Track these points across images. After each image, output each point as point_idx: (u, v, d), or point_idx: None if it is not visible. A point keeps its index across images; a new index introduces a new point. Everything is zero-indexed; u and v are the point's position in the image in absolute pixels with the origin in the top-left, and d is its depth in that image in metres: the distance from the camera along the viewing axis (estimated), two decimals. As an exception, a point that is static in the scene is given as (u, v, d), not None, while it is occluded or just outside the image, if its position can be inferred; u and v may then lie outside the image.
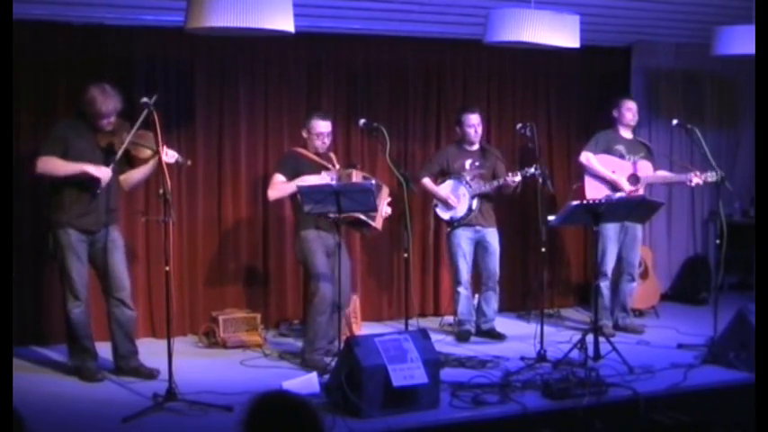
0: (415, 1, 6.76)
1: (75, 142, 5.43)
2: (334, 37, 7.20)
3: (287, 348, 6.46)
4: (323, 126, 6.07)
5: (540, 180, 6.33)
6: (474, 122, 6.74)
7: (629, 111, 7.03)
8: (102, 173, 5.36)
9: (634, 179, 6.93)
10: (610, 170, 6.94)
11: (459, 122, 6.83)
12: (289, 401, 2.52)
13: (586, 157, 7.00)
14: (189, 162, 5.72)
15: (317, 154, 6.09)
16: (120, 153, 5.36)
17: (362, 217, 5.93)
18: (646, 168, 6.98)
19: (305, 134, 6.11)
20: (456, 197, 6.72)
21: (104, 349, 5.74)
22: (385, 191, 6.14)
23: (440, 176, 6.86)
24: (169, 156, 5.41)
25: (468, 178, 6.74)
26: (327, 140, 6.12)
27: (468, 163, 6.80)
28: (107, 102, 5.38)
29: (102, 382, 5.51)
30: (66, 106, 6.38)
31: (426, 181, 6.83)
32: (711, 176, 6.78)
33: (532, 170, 6.39)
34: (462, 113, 6.83)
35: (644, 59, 8.22)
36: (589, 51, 7.12)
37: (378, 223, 6.07)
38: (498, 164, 6.85)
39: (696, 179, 6.78)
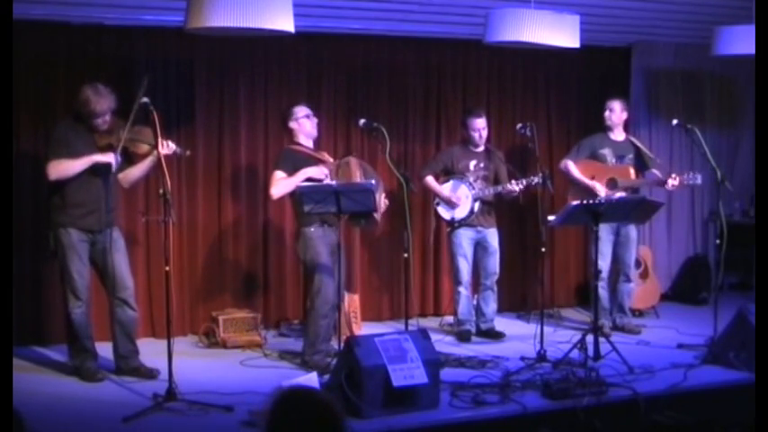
0: (415, 1, 6.76)
1: (74, 143, 5.44)
2: (334, 37, 7.20)
3: (287, 348, 6.46)
4: (305, 109, 6.13)
5: (541, 183, 6.38)
6: (479, 127, 6.75)
7: (608, 110, 7.03)
8: (110, 158, 5.36)
9: (612, 183, 6.92)
10: (589, 176, 6.96)
11: (464, 125, 6.84)
12: (314, 399, 2.50)
13: (565, 165, 7.07)
14: (188, 152, 5.71)
15: (311, 148, 6.10)
16: (119, 149, 5.35)
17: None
18: (625, 172, 6.97)
19: (294, 125, 6.11)
20: (459, 198, 6.73)
21: (104, 349, 5.74)
22: (381, 184, 6.14)
23: (443, 175, 6.87)
24: (167, 147, 5.40)
25: (471, 179, 6.75)
26: (315, 121, 6.16)
27: (472, 164, 6.81)
28: (100, 101, 5.39)
29: (102, 382, 5.51)
30: (66, 106, 6.37)
31: (429, 179, 6.85)
32: (691, 179, 6.78)
33: (536, 179, 6.45)
34: (467, 117, 6.83)
35: (644, 59, 8.22)
36: (589, 51, 7.12)
37: (378, 216, 6.09)
38: (501, 167, 6.87)
39: (672, 181, 6.79)
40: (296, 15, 4.96)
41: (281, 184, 5.98)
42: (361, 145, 7.34)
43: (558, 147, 8.06)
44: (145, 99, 5.15)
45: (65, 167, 5.39)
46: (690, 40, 7.94)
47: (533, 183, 6.49)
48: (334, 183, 5.83)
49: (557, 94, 8.09)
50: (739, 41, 6.32)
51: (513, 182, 6.64)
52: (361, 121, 6.26)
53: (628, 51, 8.20)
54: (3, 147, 3.59)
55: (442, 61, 7.64)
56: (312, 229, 5.94)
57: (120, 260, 5.60)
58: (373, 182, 5.75)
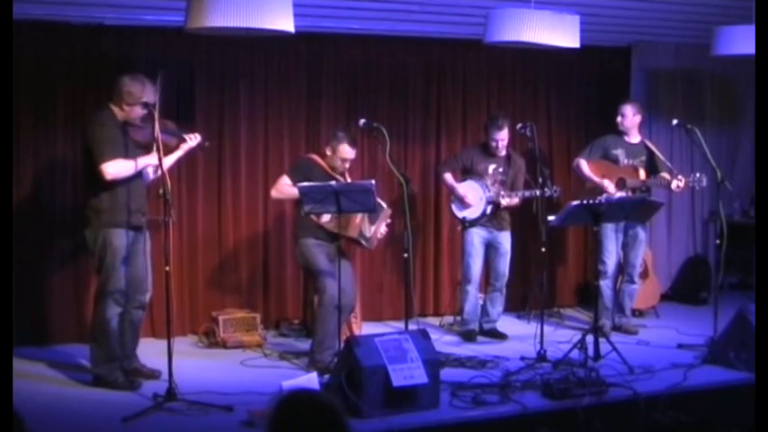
0: (415, 1, 6.75)
1: (122, 141, 5.33)
2: (334, 37, 7.20)
3: (287, 348, 6.46)
4: (350, 153, 6.08)
5: (539, 191, 6.44)
6: (498, 138, 6.72)
7: (619, 115, 7.02)
8: (157, 158, 5.25)
9: (622, 183, 6.92)
10: (600, 175, 6.96)
11: (485, 130, 6.85)
12: (316, 402, 2.50)
13: (577, 163, 7.10)
14: (207, 143, 5.66)
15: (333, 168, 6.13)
16: (156, 146, 5.18)
17: (359, 240, 6.03)
18: (634, 173, 6.96)
19: (328, 152, 6.09)
20: (473, 198, 6.74)
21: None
22: (387, 212, 6.17)
23: (461, 174, 6.90)
24: (194, 140, 5.45)
25: (488, 182, 6.76)
26: (348, 165, 6.15)
27: (491, 168, 6.81)
28: (146, 90, 5.32)
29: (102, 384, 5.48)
30: (66, 106, 6.39)
31: (447, 176, 6.89)
32: (696, 181, 6.77)
33: (553, 190, 6.54)
34: (489, 125, 6.80)
35: (644, 59, 8.22)
36: (589, 51, 7.12)
37: (372, 244, 6.15)
38: (519, 176, 6.86)
39: (677, 182, 6.79)
40: (296, 15, 4.96)
41: (283, 190, 6.03)
42: (361, 145, 7.33)
43: (558, 147, 8.07)
44: (145, 99, 5.13)
45: (123, 168, 5.28)
46: (690, 40, 7.94)
47: (548, 194, 6.52)
48: (334, 183, 5.84)
49: (557, 94, 8.09)
50: (739, 41, 6.32)
51: (512, 194, 6.69)
52: (362, 121, 6.26)
53: (628, 51, 8.20)
54: (3, 147, 3.58)
55: (442, 61, 7.64)
56: (306, 240, 6.00)
57: (149, 262, 5.55)
58: (373, 182, 5.75)
